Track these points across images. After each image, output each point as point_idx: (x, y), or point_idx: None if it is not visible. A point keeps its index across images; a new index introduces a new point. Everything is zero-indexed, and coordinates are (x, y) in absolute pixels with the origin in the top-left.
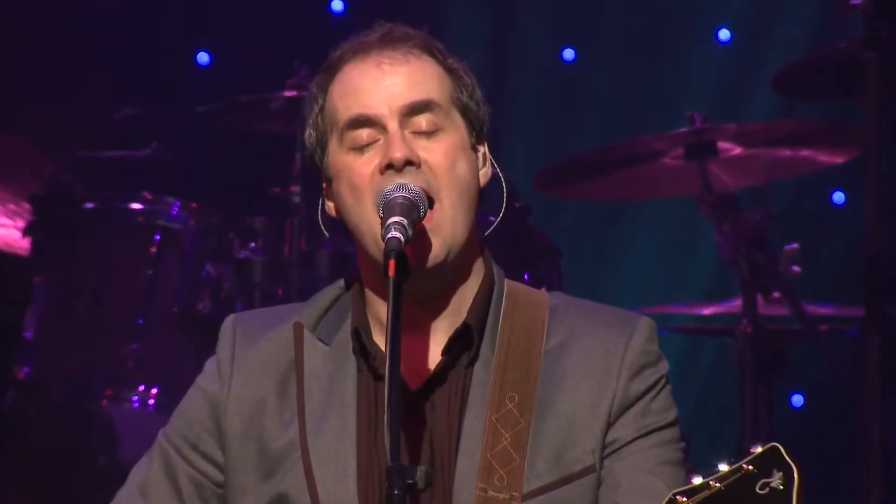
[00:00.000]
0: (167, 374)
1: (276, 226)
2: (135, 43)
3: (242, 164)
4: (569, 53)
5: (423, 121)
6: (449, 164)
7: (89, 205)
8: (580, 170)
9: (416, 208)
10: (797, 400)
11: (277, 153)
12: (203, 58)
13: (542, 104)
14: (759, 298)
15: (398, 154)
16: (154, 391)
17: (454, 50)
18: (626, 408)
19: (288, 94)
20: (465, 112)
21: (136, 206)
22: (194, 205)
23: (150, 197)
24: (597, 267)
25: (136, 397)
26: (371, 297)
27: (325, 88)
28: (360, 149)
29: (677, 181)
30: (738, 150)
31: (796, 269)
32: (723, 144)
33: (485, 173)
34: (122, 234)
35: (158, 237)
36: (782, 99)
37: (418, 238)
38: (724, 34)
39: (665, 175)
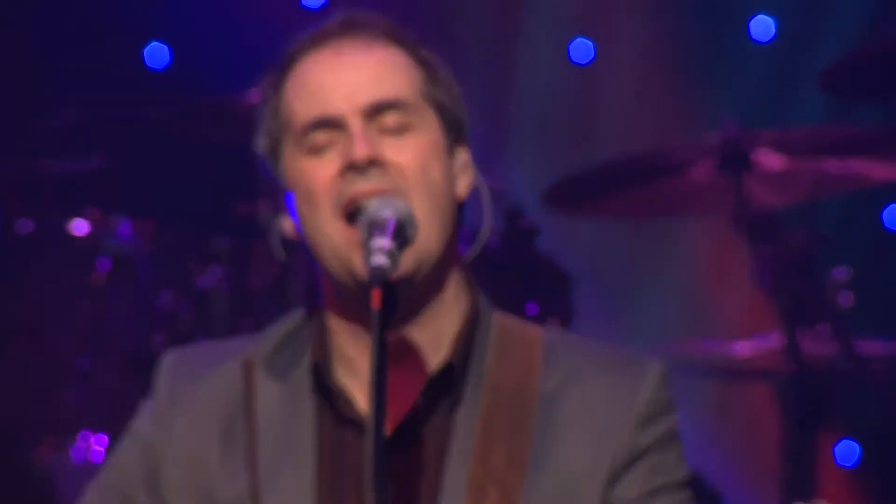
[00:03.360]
0: (115, 421)
1: (243, 249)
2: (75, 35)
3: (203, 177)
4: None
5: (389, 119)
6: (419, 165)
7: (24, 226)
8: (595, 184)
9: (404, 230)
10: (848, 451)
11: (243, 165)
12: (157, 54)
13: (551, 108)
14: (803, 333)
15: (360, 153)
16: (99, 441)
17: (449, 46)
18: (631, 463)
19: (256, 97)
20: (439, 109)
21: (78, 227)
22: (147, 225)
23: (95, 216)
24: (614, 296)
25: (78, 448)
26: (336, 326)
27: (277, 87)
28: (318, 151)
29: (708, 197)
30: (779, 161)
31: (846, 298)
32: (761, 154)
33: (465, 182)
34: (62, 260)
35: (105, 263)
36: (832, 100)
37: None
38: (764, 24)
39: (694, 190)
